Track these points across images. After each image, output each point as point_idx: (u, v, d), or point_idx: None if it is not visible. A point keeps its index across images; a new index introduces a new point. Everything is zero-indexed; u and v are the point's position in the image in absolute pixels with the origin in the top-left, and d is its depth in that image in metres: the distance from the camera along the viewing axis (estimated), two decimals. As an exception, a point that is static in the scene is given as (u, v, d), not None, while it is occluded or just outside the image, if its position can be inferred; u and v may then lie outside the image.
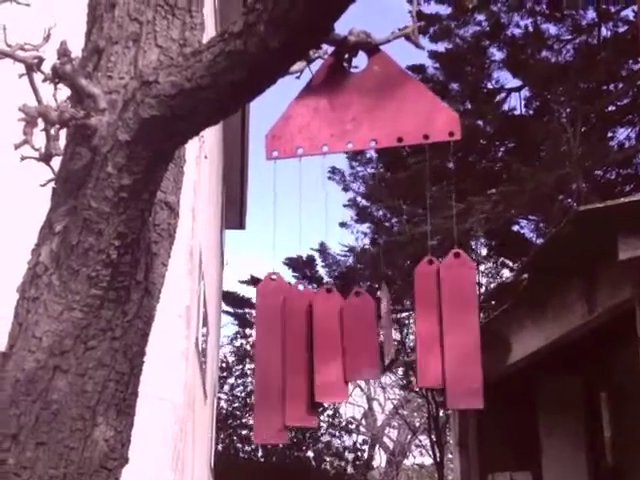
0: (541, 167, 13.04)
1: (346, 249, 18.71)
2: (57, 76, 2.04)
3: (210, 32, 5.41)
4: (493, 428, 7.80)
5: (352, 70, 2.19)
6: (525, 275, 5.55)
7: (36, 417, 1.92)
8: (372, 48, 2.13)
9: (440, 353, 2.13)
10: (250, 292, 23.48)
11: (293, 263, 19.76)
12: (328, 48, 2.24)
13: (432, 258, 2.20)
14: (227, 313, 22.48)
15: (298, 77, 2.64)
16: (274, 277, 2.24)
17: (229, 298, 21.75)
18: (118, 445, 2.03)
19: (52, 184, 2.21)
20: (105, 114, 1.99)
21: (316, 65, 2.31)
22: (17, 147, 2.13)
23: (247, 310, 22.64)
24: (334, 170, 17.54)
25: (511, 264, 17.49)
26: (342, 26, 2.07)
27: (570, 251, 4.94)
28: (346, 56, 2.15)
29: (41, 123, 2.16)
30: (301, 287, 2.27)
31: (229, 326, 23.39)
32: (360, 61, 2.17)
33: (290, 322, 2.21)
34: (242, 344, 22.97)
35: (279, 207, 2.37)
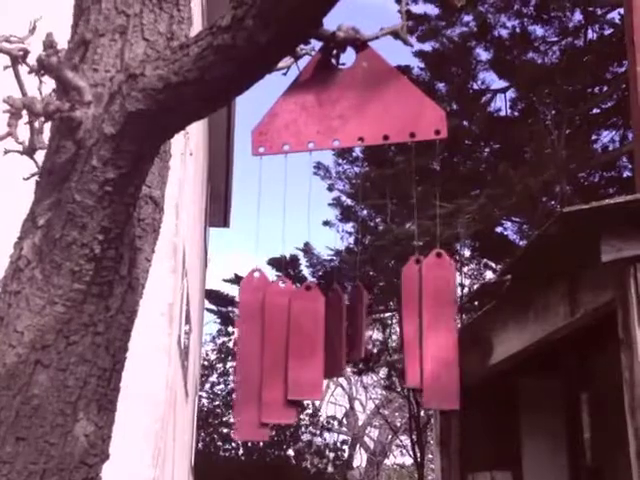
0: (526, 169, 13.07)
1: (332, 252, 18.67)
2: (43, 68, 2.02)
3: (197, 27, 5.37)
4: (474, 428, 7.80)
5: (340, 66, 2.18)
6: (509, 276, 5.54)
7: (16, 412, 1.90)
8: (360, 44, 2.12)
9: (422, 354, 2.13)
10: (234, 291, 23.46)
11: (277, 263, 19.74)
12: (316, 45, 2.23)
13: (419, 257, 2.18)
14: (211, 311, 22.49)
15: (285, 74, 2.62)
16: (257, 273, 2.23)
17: (213, 296, 21.74)
18: (99, 441, 2.01)
19: (36, 177, 2.19)
20: (91, 107, 1.97)
21: (303, 62, 2.30)
22: (1, 139, 2.10)
23: (230, 308, 22.63)
24: (319, 165, 17.52)
25: (494, 265, 17.55)
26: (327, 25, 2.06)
27: (554, 252, 4.94)
28: (334, 52, 2.14)
29: (25, 116, 2.14)
30: (282, 284, 2.24)
31: (211, 324, 23.40)
32: (348, 57, 2.16)
33: (269, 319, 2.19)
34: (224, 342, 22.93)
35: (263, 205, 2.36)
